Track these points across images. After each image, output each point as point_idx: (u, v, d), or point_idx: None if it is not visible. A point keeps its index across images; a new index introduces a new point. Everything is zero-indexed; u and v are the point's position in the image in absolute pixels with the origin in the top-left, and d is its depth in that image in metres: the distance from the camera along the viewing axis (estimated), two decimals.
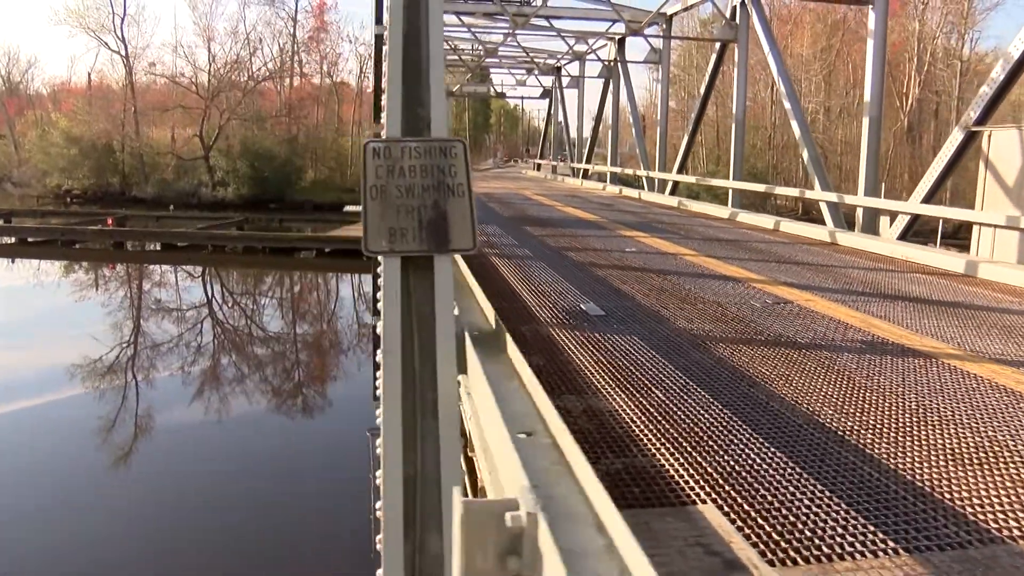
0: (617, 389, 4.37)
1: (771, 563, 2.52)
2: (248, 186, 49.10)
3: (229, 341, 25.12)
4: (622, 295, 7.46)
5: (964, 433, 3.86)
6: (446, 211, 2.55)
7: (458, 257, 3.83)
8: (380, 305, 2.49)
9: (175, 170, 51.92)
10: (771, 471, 3.31)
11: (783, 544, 2.66)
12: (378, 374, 2.37)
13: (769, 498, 3.03)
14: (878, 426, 3.92)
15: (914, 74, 40.32)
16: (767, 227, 14.50)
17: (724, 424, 3.86)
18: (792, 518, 2.86)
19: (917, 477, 3.30)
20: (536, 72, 42.69)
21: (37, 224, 39.53)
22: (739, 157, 20.82)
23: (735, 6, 20.39)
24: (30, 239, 36.46)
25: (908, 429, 3.90)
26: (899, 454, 3.55)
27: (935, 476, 3.32)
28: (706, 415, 3.98)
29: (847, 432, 3.82)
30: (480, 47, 33.39)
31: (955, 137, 12.53)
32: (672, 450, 3.50)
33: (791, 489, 3.12)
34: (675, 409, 4.06)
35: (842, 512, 2.92)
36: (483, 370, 2.84)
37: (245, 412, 17.57)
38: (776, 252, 11.13)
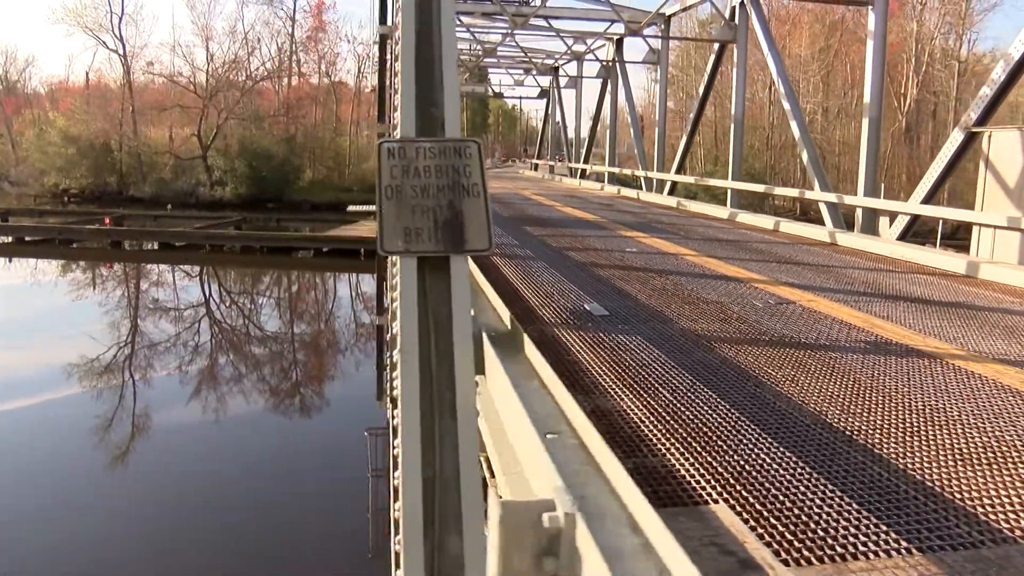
0: (624, 389, 4.38)
1: (786, 563, 2.53)
2: (246, 186, 49.06)
3: (227, 341, 25.11)
4: (625, 295, 7.47)
5: (971, 433, 3.87)
6: (461, 211, 2.56)
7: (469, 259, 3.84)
8: (395, 305, 2.49)
9: (173, 169, 51.87)
10: (781, 471, 3.31)
11: (796, 544, 2.66)
12: (394, 375, 2.37)
13: (781, 498, 3.04)
14: (885, 426, 3.93)
15: (912, 75, 40.36)
16: (767, 227, 14.51)
17: (732, 424, 3.87)
18: (804, 518, 2.87)
19: (926, 477, 3.31)
20: (534, 72, 42.70)
21: (34, 223, 39.49)
22: (738, 157, 20.84)
23: (734, 7, 20.41)
24: (27, 238, 36.40)
25: (915, 429, 3.91)
26: (907, 454, 3.56)
27: (944, 476, 3.33)
28: (714, 415, 3.99)
29: (855, 432, 3.83)
30: (479, 47, 33.39)
31: (955, 138, 12.55)
32: (682, 450, 3.50)
33: (802, 489, 3.13)
34: (683, 409, 4.06)
35: (854, 512, 2.93)
36: (504, 370, 2.84)
37: (243, 412, 17.56)
38: (776, 252, 11.14)
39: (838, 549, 2.64)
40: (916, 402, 4.34)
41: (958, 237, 21.38)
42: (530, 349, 3.44)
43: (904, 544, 2.68)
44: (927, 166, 13.73)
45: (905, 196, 26.98)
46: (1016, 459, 3.55)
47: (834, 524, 2.83)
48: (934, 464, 3.46)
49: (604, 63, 31.29)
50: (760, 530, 2.75)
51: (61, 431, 15.81)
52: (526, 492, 2.25)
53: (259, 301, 31.63)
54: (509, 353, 3.41)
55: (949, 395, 4.50)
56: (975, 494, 3.16)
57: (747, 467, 3.34)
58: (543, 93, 46.78)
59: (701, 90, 24.18)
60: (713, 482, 3.17)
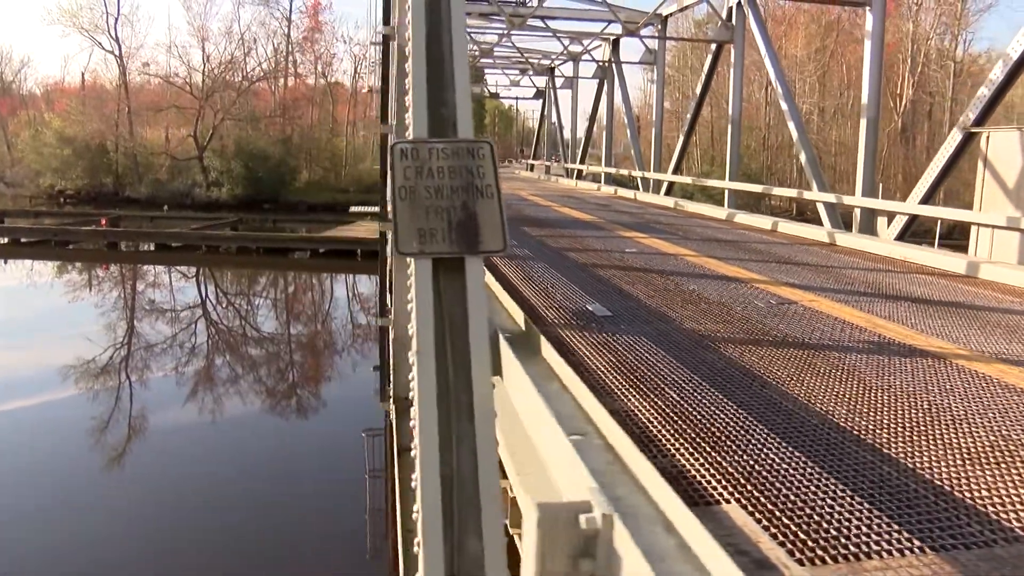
0: (631, 389, 4.38)
1: (800, 562, 2.53)
2: (242, 186, 48.98)
3: (224, 342, 25.08)
4: (627, 296, 7.47)
5: (978, 432, 3.88)
6: (475, 212, 2.56)
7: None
8: (408, 307, 2.49)
9: (169, 170, 51.82)
10: (791, 470, 3.32)
11: (810, 543, 2.67)
12: (409, 376, 2.37)
13: (792, 497, 3.05)
14: (892, 425, 3.94)
15: (908, 75, 40.43)
16: (765, 228, 14.53)
17: (740, 424, 3.87)
18: (817, 517, 2.87)
19: (936, 476, 3.32)
20: (530, 73, 42.70)
21: (30, 224, 39.42)
22: (735, 157, 20.85)
23: (731, 7, 20.43)
24: (23, 239, 36.36)
25: (922, 428, 3.91)
26: (916, 453, 3.57)
27: (953, 475, 3.34)
28: (722, 415, 4.00)
29: (862, 431, 3.84)
30: (475, 47, 33.37)
31: (953, 138, 12.57)
32: (692, 450, 3.51)
33: (812, 488, 3.14)
34: (690, 409, 4.07)
35: (865, 511, 2.94)
36: (526, 372, 2.84)
37: (241, 413, 17.55)
38: (776, 253, 11.16)
39: (851, 548, 2.64)
40: (922, 401, 4.35)
41: (953, 237, 21.43)
42: (547, 350, 3.44)
43: (917, 543, 2.69)
44: (923, 166, 13.77)
45: (901, 196, 27.03)
46: None
47: (846, 523, 2.83)
48: (942, 463, 3.47)
49: (600, 63, 31.31)
50: (773, 530, 2.76)
51: (61, 431, 15.80)
52: (542, 493, 2.25)
53: (256, 302, 31.61)
54: (525, 354, 3.41)
55: (954, 394, 4.51)
56: (985, 493, 3.17)
57: (757, 467, 3.35)
58: (539, 94, 46.79)
59: (698, 90, 24.21)
60: (724, 482, 3.18)
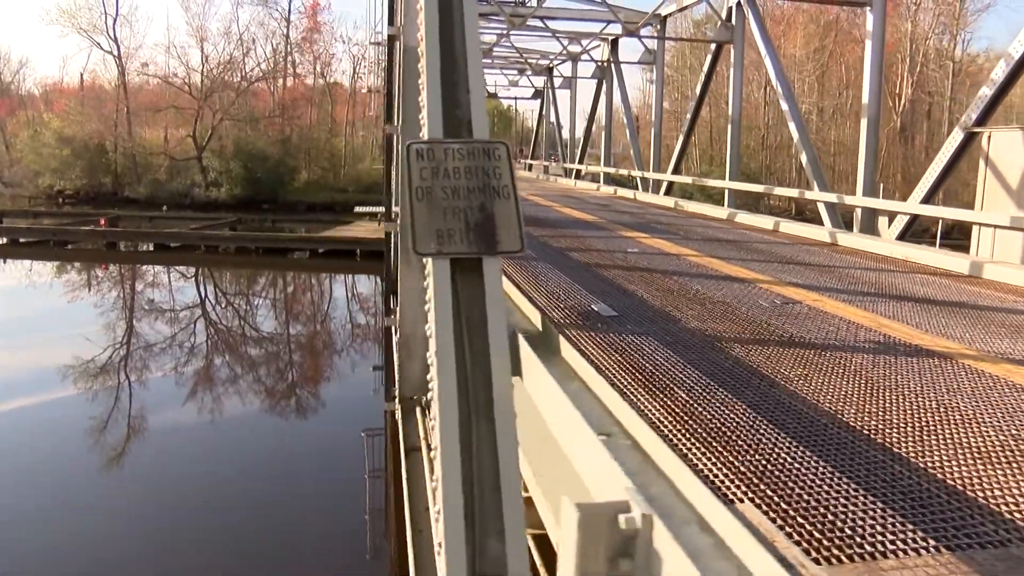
0: (640, 389, 4.38)
1: (816, 561, 2.54)
2: (241, 187, 48.97)
3: (223, 342, 25.08)
4: (631, 296, 7.48)
5: (987, 432, 3.89)
6: (493, 213, 2.56)
7: None
8: (428, 307, 2.50)
9: (168, 171, 51.80)
10: (803, 469, 3.33)
11: (825, 542, 2.67)
12: (428, 377, 2.37)
13: (806, 497, 3.05)
14: (901, 425, 3.95)
15: (907, 75, 40.47)
16: (766, 228, 14.53)
17: (750, 423, 3.88)
18: (831, 516, 2.88)
19: (947, 475, 3.33)
20: (529, 73, 42.71)
21: (29, 225, 39.39)
22: (735, 157, 20.86)
23: (731, 7, 20.43)
24: (22, 240, 36.34)
25: (931, 428, 3.92)
26: (926, 452, 3.58)
27: (965, 474, 3.35)
28: (731, 414, 4.00)
29: (872, 431, 3.84)
30: None
31: (954, 138, 12.58)
32: (703, 450, 3.51)
33: (825, 487, 3.15)
34: (700, 409, 4.07)
35: (879, 510, 2.95)
36: (549, 372, 2.85)
37: (240, 413, 17.56)
38: (778, 252, 11.16)
39: (867, 547, 2.65)
40: (930, 401, 4.36)
41: (953, 237, 21.45)
42: (567, 350, 3.44)
43: (932, 542, 2.69)
44: (922, 166, 13.82)
45: (900, 196, 27.05)
46: None
47: (860, 522, 2.84)
48: (953, 462, 3.48)
49: (599, 63, 31.31)
50: (788, 529, 2.76)
51: (60, 431, 15.80)
52: (560, 493, 2.25)
53: (255, 302, 31.61)
54: (544, 355, 3.41)
55: (962, 394, 4.52)
56: (997, 492, 3.18)
57: (769, 466, 3.35)
58: (537, 93, 46.77)
59: (698, 90, 24.22)
60: (737, 481, 3.18)
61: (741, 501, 2.98)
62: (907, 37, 40.96)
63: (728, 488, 3.11)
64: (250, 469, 14.13)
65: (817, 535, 2.73)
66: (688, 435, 3.69)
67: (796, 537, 2.70)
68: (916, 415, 4.11)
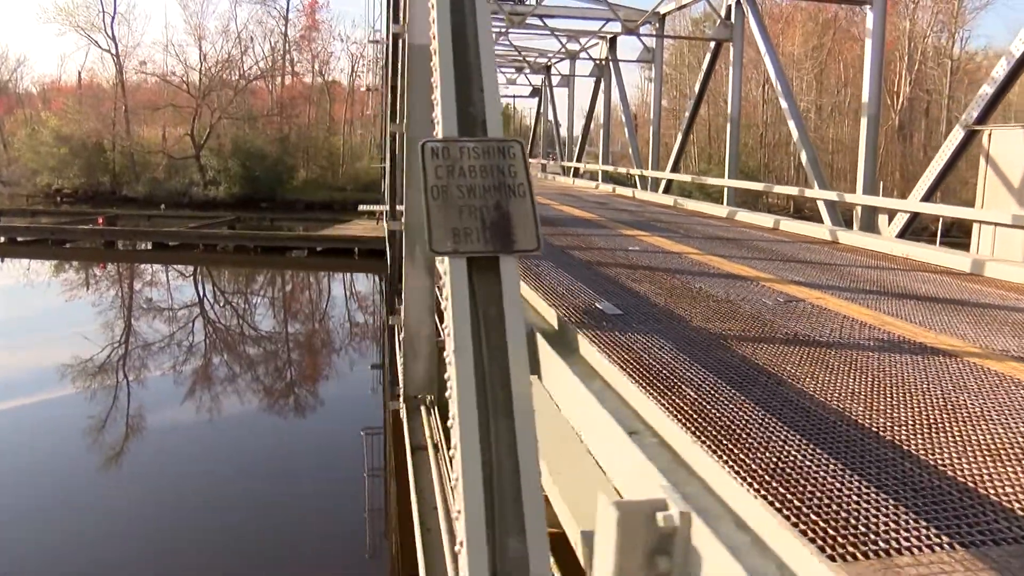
0: (648, 388, 4.39)
1: (831, 558, 2.54)
2: (239, 185, 48.99)
3: (221, 341, 25.08)
4: (635, 294, 7.48)
5: (996, 429, 3.90)
6: (509, 212, 2.57)
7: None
8: (446, 305, 2.50)
9: (166, 169, 51.81)
10: (814, 467, 3.33)
11: (840, 540, 2.68)
12: (446, 376, 2.38)
13: (818, 494, 3.06)
14: (910, 422, 3.96)
15: (905, 73, 40.51)
16: (766, 226, 14.54)
17: (760, 421, 3.88)
18: (844, 514, 2.88)
19: (958, 472, 3.34)
20: (527, 71, 42.72)
21: (27, 223, 39.37)
22: (734, 155, 20.90)
23: (730, 5, 20.46)
24: (20, 239, 36.31)
25: (940, 425, 3.93)
26: (936, 450, 3.59)
27: (976, 471, 3.35)
28: (740, 412, 4.00)
29: (881, 428, 3.85)
30: None
31: (955, 136, 12.60)
32: (713, 447, 3.51)
33: (837, 485, 3.15)
34: (709, 407, 4.07)
35: (891, 507, 2.95)
36: (572, 371, 2.85)
37: (239, 412, 17.56)
38: (779, 251, 11.18)
39: (881, 544, 2.65)
40: (937, 398, 4.37)
41: (951, 235, 21.49)
42: (586, 349, 3.45)
43: (946, 539, 2.70)
44: (920, 164, 13.85)
45: (899, 193, 27.08)
46: None
47: (874, 520, 2.84)
48: (963, 459, 3.49)
49: (597, 62, 31.32)
50: (802, 527, 2.76)
51: (60, 431, 15.80)
52: (578, 492, 2.26)
53: (253, 301, 31.62)
54: (563, 354, 3.41)
55: (969, 391, 4.53)
56: (1008, 489, 3.18)
57: (780, 464, 3.36)
58: (535, 92, 46.78)
59: (697, 88, 24.26)
60: (749, 479, 3.18)
61: (754, 499, 2.99)
62: (905, 35, 41.01)
63: (740, 486, 3.12)
64: (249, 468, 14.14)
65: (832, 532, 2.73)
66: (699, 433, 3.70)
67: (811, 535, 2.70)
68: (924, 412, 4.12)
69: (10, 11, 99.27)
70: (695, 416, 3.93)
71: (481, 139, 2.72)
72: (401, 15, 7.24)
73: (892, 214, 13.65)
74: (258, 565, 11.05)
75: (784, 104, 18.10)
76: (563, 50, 34.98)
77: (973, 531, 2.77)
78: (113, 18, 56.32)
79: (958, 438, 3.76)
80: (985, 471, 3.36)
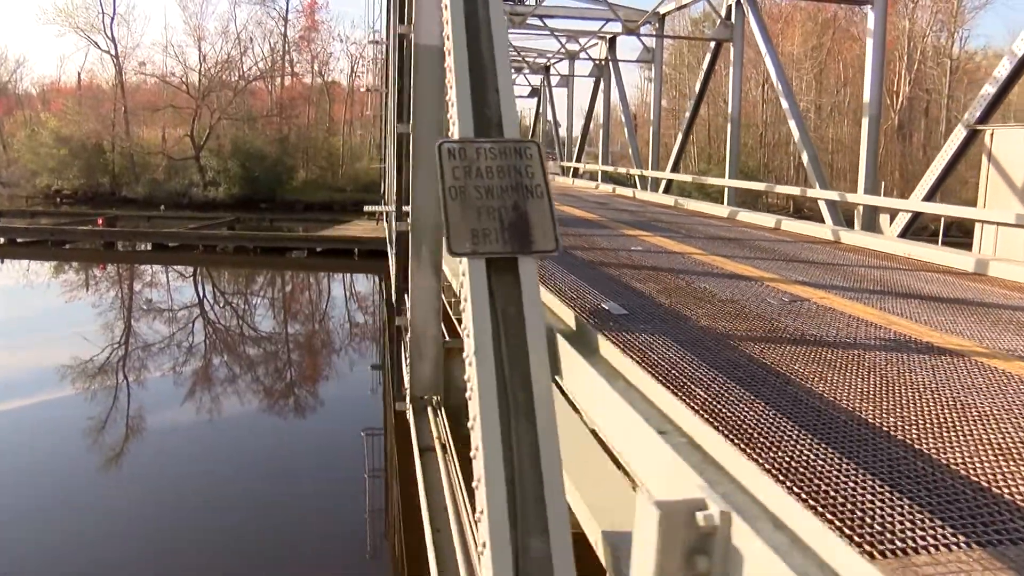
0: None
1: None
2: (239, 186, 49.04)
3: (221, 341, 25.12)
4: (640, 294, 7.49)
5: (1007, 429, 3.90)
6: (526, 212, 2.57)
7: None
8: (464, 307, 2.51)
9: (166, 170, 51.85)
10: (827, 466, 3.33)
11: (856, 539, 2.68)
12: (465, 377, 2.38)
13: (832, 493, 3.06)
14: (920, 422, 3.96)
15: (904, 72, 40.54)
16: (768, 226, 14.54)
17: (770, 421, 3.88)
18: (860, 512, 2.88)
19: (971, 472, 3.34)
20: (526, 71, 42.72)
21: (26, 224, 39.40)
22: (735, 155, 20.92)
23: (730, 5, 20.47)
24: (19, 239, 36.34)
25: (950, 425, 3.93)
26: (948, 449, 3.59)
27: (988, 471, 3.36)
28: (751, 412, 4.00)
29: (892, 428, 3.85)
30: None
31: (957, 135, 12.62)
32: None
33: (851, 484, 3.15)
34: (719, 407, 4.07)
35: (905, 507, 2.95)
36: (597, 371, 2.85)
37: (239, 412, 17.60)
38: (782, 250, 11.19)
39: (898, 543, 2.65)
40: (947, 398, 4.37)
41: (951, 234, 21.52)
42: (607, 349, 3.45)
43: (962, 539, 2.70)
44: (920, 163, 13.89)
45: (899, 193, 27.12)
46: None
47: (889, 519, 2.84)
48: (975, 459, 3.49)
49: (597, 62, 31.34)
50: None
51: (60, 431, 15.83)
52: (599, 493, 2.27)
53: (253, 301, 31.66)
54: (583, 354, 3.41)
55: (977, 391, 4.53)
56: (1023, 488, 3.19)
57: (793, 463, 3.36)
58: (534, 92, 46.77)
59: (697, 88, 24.28)
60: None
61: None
62: (905, 35, 41.05)
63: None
64: (249, 468, 14.17)
65: (848, 531, 2.73)
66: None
67: None
68: (934, 412, 4.12)
69: (10, 12, 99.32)
70: (706, 416, 3.93)
71: (497, 140, 2.73)
72: (407, 16, 7.26)
73: (894, 214, 13.67)
74: (258, 565, 11.07)
75: (785, 104, 18.11)
76: (562, 50, 34.99)
77: (989, 530, 2.77)
78: (112, 19, 56.45)
79: (969, 437, 3.76)
80: (998, 470, 3.37)
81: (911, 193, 14.30)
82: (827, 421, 3.91)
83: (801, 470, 3.29)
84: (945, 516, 2.88)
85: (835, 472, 3.28)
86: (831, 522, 2.80)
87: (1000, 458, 3.51)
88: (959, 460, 3.47)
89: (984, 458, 3.50)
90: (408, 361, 7.38)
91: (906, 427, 3.87)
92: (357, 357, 24.27)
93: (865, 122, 15.94)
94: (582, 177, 33.43)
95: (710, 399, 4.21)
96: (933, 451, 3.56)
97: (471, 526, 4.76)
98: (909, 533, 2.73)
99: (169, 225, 40.03)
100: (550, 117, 44.19)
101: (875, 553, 2.59)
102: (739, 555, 1.51)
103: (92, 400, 17.91)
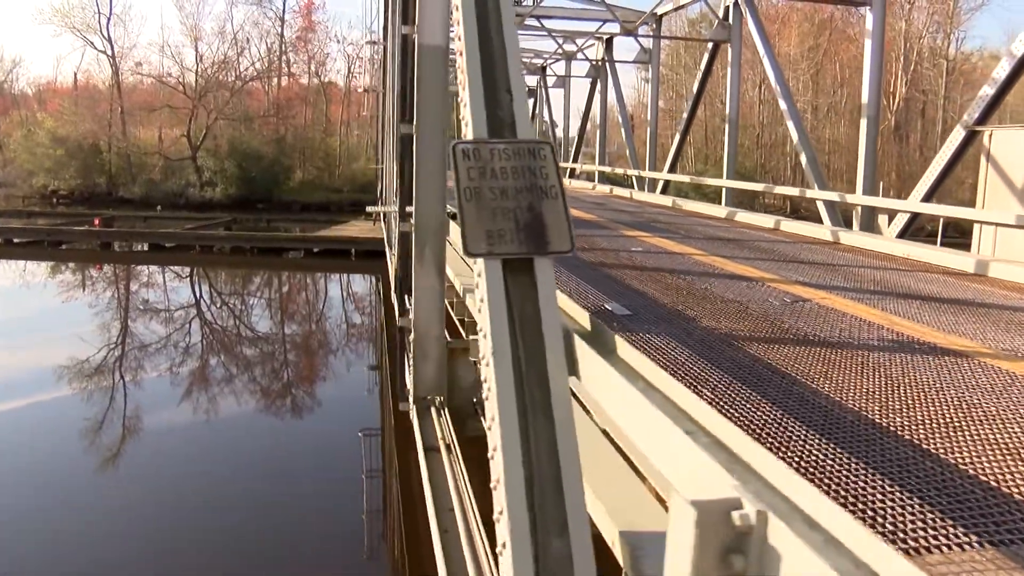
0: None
1: None
2: (236, 186, 49.03)
3: (218, 342, 25.11)
4: (642, 295, 7.50)
5: (1013, 429, 3.92)
6: (541, 213, 2.58)
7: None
8: (480, 307, 2.51)
9: (162, 170, 51.82)
10: (836, 466, 3.34)
11: None
12: (483, 378, 2.38)
13: (842, 493, 3.07)
14: (927, 422, 3.97)
15: (901, 73, 40.62)
16: (767, 226, 14.55)
17: (778, 421, 3.89)
18: (870, 512, 2.89)
19: (979, 472, 3.35)
20: (523, 71, 42.70)
21: (23, 225, 39.35)
22: (732, 156, 20.95)
23: (727, 6, 20.50)
24: (16, 240, 36.29)
25: (956, 425, 3.94)
26: (955, 449, 3.60)
27: (997, 471, 3.37)
28: (758, 412, 4.01)
29: (899, 428, 3.86)
30: None
31: (956, 136, 12.65)
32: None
33: (860, 484, 3.16)
34: (727, 408, 4.08)
35: (916, 506, 2.96)
36: (616, 371, 2.86)
37: (236, 413, 17.60)
38: (781, 251, 11.21)
39: (910, 543, 2.66)
40: (952, 398, 4.38)
41: (948, 235, 21.55)
42: (625, 349, 3.46)
43: (974, 538, 2.71)
44: (917, 164, 13.93)
45: (896, 193, 27.16)
46: None
47: (900, 518, 2.85)
48: (983, 459, 3.50)
49: (594, 62, 31.36)
50: None
51: (59, 431, 15.83)
52: (616, 493, 2.28)
53: (250, 302, 31.65)
54: (601, 354, 3.42)
55: (982, 391, 4.54)
56: None
57: (803, 463, 3.36)
58: (530, 92, 46.76)
59: (695, 88, 24.28)
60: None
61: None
62: (901, 35, 41.11)
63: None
64: (247, 468, 14.18)
65: None
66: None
67: None
68: (940, 412, 4.14)
69: (5, 12, 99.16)
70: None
71: (511, 140, 2.74)
72: (411, 16, 7.27)
73: (892, 214, 13.70)
74: (258, 565, 11.08)
75: (784, 105, 18.14)
76: (559, 51, 35.01)
77: (1001, 530, 2.79)
78: (109, 19, 56.39)
79: (976, 437, 3.77)
80: (1007, 470, 3.38)
81: (908, 194, 14.33)
82: (835, 421, 3.92)
83: (811, 471, 3.30)
84: (956, 516, 2.89)
85: (844, 472, 3.29)
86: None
87: (1008, 458, 3.52)
88: (966, 460, 3.48)
89: (992, 458, 3.52)
90: (412, 362, 7.38)
91: (913, 427, 3.88)
92: (354, 358, 24.27)
93: (863, 123, 15.97)
94: (579, 178, 33.45)
95: (717, 399, 4.21)
96: (941, 451, 3.57)
97: (478, 527, 4.77)
98: (921, 533, 2.75)
99: (166, 225, 40.00)
100: (547, 118, 44.20)
101: None
102: (776, 554, 1.51)
103: (90, 400, 17.90)
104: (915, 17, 41.83)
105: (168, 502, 12.67)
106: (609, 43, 29.91)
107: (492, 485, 2.13)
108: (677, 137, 25.49)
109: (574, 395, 3.76)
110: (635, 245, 11.59)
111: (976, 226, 12.55)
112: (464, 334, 8.48)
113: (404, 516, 12.26)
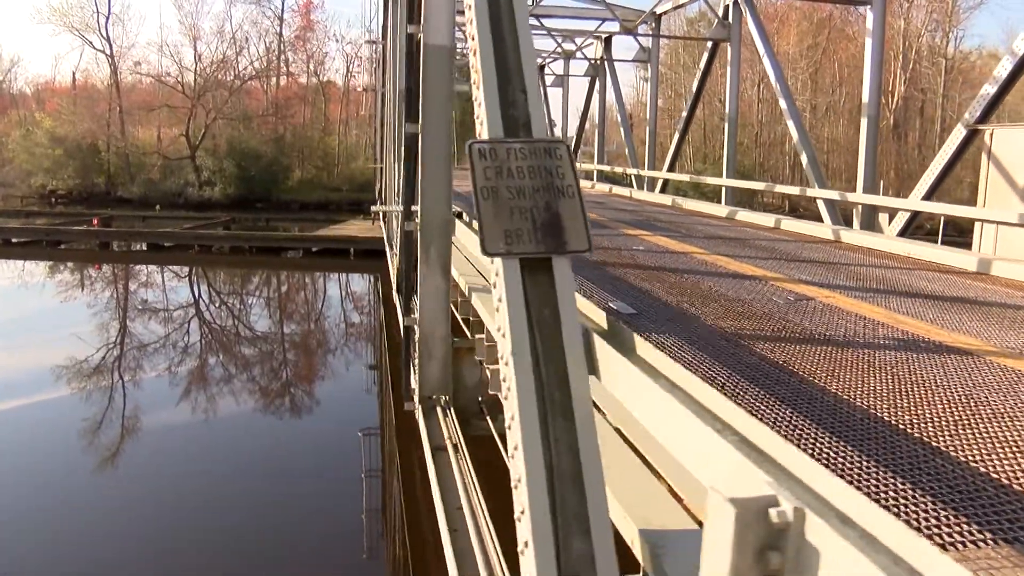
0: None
1: None
2: (235, 186, 49.00)
3: (217, 341, 25.09)
4: (646, 294, 7.50)
5: (1021, 426, 3.93)
6: (558, 212, 2.59)
7: None
8: (497, 307, 2.51)
9: (161, 170, 51.78)
10: (847, 464, 3.35)
11: None
12: (501, 377, 2.39)
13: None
14: (935, 420, 3.98)
15: (900, 72, 40.65)
16: (767, 225, 14.55)
17: (788, 420, 3.90)
18: (884, 510, 2.90)
19: (990, 469, 3.36)
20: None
21: (21, 225, 39.31)
22: (732, 155, 20.95)
23: (727, 5, 20.50)
24: (14, 240, 36.26)
25: (965, 423, 3.95)
26: (965, 447, 3.61)
27: (1008, 468, 3.37)
28: (768, 411, 4.02)
29: (908, 426, 3.87)
30: (466, 46, 33.33)
31: (956, 134, 12.66)
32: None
33: (872, 481, 3.17)
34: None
35: (928, 504, 2.97)
36: (639, 370, 2.86)
37: (235, 412, 17.59)
38: (783, 250, 11.21)
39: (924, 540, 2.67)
40: (959, 396, 4.39)
41: (947, 233, 21.57)
42: (645, 348, 3.47)
43: (988, 535, 2.72)
44: (916, 162, 13.95)
45: (895, 192, 27.18)
46: None
47: (914, 516, 2.86)
48: (993, 456, 3.51)
49: (592, 61, 31.35)
50: None
51: (59, 431, 15.83)
52: (629, 491, 2.28)
53: (249, 301, 31.63)
54: (621, 353, 3.43)
55: (989, 389, 4.55)
56: None
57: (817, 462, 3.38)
58: None
59: (694, 87, 24.27)
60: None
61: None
62: (900, 34, 41.14)
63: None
64: (247, 468, 14.17)
65: None
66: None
67: None
68: (948, 410, 4.14)
69: (4, 12, 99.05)
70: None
71: (527, 140, 2.74)
72: (416, 15, 7.27)
73: (893, 213, 13.71)
74: (257, 565, 11.08)
75: (783, 104, 18.14)
76: (558, 50, 34.99)
77: (1015, 527, 2.79)
78: (107, 18, 56.36)
79: (984, 435, 3.78)
80: (1017, 467, 3.38)
81: (907, 192, 14.35)
82: (844, 419, 3.93)
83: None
84: (969, 513, 2.89)
85: (856, 470, 3.30)
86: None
87: (1019, 455, 3.53)
88: (976, 458, 3.48)
89: (1001, 455, 3.52)
90: (417, 361, 7.39)
91: (922, 425, 3.89)
92: (353, 357, 24.26)
93: (864, 122, 15.98)
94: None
95: (730, 398, 4.22)
96: (951, 449, 3.58)
97: (487, 525, 4.78)
98: (935, 530, 2.75)
99: (164, 225, 39.97)
100: (547, 117, 44.20)
101: None
102: (813, 550, 1.52)
103: (89, 400, 17.89)
104: (914, 16, 41.96)
105: (168, 502, 12.67)
106: (608, 42, 29.91)
107: (513, 484, 2.14)
108: (676, 136, 25.49)
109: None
110: (637, 244, 11.59)
111: (977, 224, 12.56)
112: (469, 333, 8.48)
113: (406, 515, 12.28)
